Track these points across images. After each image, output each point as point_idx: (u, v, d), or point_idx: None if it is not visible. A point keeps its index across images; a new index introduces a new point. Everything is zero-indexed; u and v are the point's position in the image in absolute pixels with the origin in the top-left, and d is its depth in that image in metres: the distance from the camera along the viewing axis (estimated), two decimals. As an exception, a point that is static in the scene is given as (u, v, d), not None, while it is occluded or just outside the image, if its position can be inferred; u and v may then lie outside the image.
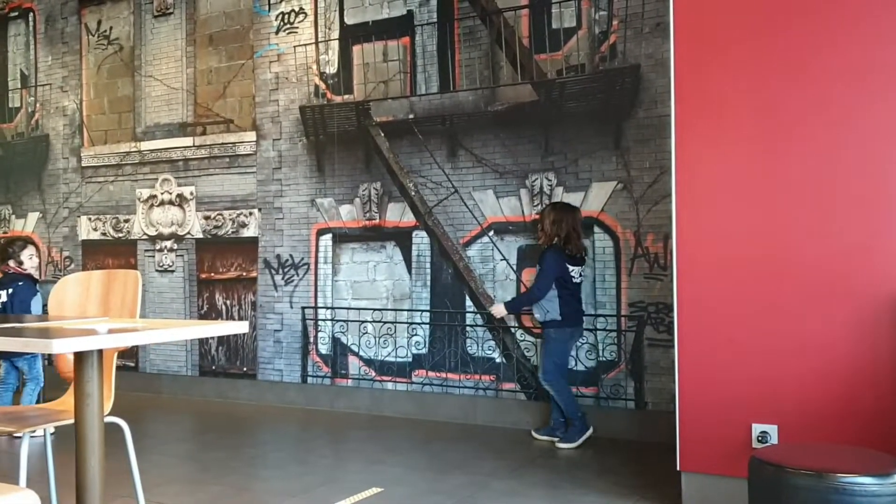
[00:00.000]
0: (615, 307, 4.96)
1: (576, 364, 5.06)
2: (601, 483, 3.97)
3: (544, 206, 4.96)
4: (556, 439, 4.76)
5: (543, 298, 4.72)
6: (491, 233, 5.34)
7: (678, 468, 3.48)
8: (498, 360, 5.31)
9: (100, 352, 2.19)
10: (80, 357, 2.14)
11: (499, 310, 5.01)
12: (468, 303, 5.42)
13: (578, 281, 4.81)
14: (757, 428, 3.30)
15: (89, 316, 2.98)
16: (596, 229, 5.01)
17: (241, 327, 2.45)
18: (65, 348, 1.91)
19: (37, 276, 5.44)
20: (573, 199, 5.06)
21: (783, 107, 3.31)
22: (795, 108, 3.28)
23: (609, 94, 4.99)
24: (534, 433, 4.93)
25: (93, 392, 2.19)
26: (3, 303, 5.07)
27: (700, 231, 3.44)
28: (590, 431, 4.73)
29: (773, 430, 3.27)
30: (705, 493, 3.42)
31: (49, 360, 5.61)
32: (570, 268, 4.74)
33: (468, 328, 5.41)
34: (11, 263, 5.21)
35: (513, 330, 5.26)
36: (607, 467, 4.27)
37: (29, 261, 5.26)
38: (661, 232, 4.79)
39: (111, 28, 7.02)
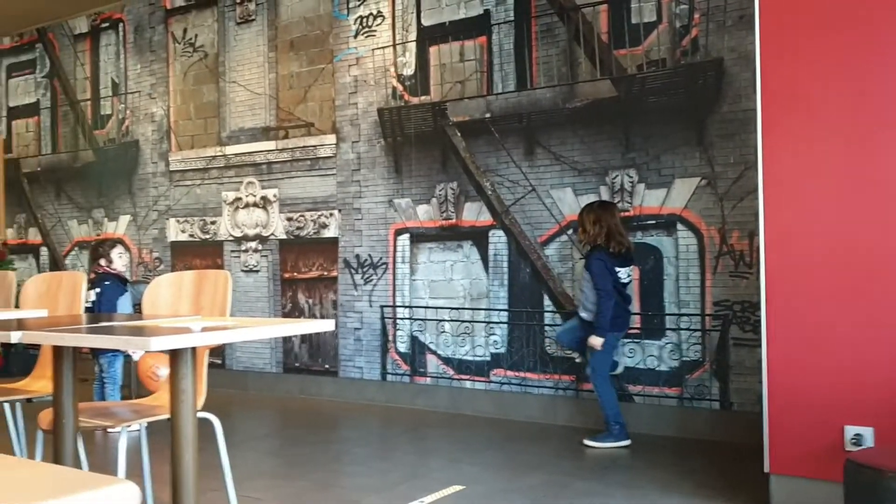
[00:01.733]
0: (699, 306, 4.87)
1: (658, 364, 4.99)
2: (685, 485, 3.90)
3: (582, 207, 4.86)
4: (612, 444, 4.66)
5: (600, 300, 4.63)
6: (570, 231, 5.31)
7: (766, 470, 3.40)
8: (578, 360, 5.27)
9: (193, 349, 2.27)
10: (175, 355, 2.22)
11: (597, 342, 4.67)
12: (546, 302, 5.40)
13: (626, 281, 4.72)
14: (850, 430, 3.20)
15: (182, 314, 3.08)
16: (679, 226, 4.93)
17: (327, 325, 2.50)
18: (162, 346, 1.98)
19: (126, 276, 5.63)
20: (656, 195, 4.99)
21: (875, 99, 3.19)
22: (888, 101, 3.16)
23: (691, 88, 4.90)
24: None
25: (187, 388, 2.26)
26: (92, 302, 5.27)
27: (788, 228, 3.35)
28: (626, 442, 4.67)
29: (868, 432, 3.16)
30: (795, 496, 3.33)
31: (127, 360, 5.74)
32: (618, 269, 4.66)
33: (547, 328, 5.38)
34: (102, 262, 5.42)
35: (593, 329, 5.21)
36: (691, 469, 4.19)
37: (118, 259, 5.46)
38: (747, 229, 4.68)
39: (196, 36, 7.24)
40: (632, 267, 4.79)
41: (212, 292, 3.08)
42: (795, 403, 3.33)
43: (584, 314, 4.76)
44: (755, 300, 4.52)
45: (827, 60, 3.28)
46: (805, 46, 3.32)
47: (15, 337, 2.21)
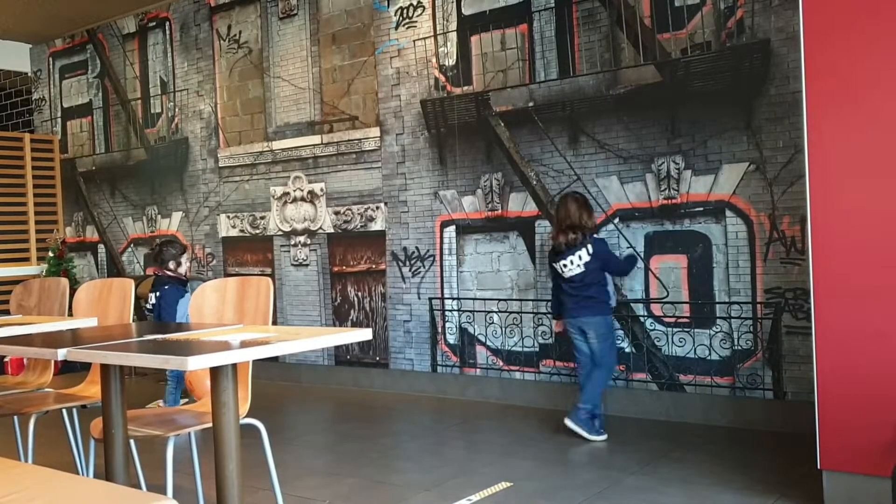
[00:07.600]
0: (750, 294, 4.76)
1: (709, 353, 4.90)
2: (739, 479, 3.84)
3: None
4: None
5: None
6: (616, 220, 5.23)
7: (818, 467, 3.32)
8: (627, 350, 5.21)
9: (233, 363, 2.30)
10: (215, 369, 2.26)
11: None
12: (595, 291, 5.33)
13: (565, 274, 4.76)
14: (907, 426, 3.10)
15: (226, 322, 3.13)
16: (728, 213, 4.82)
17: (364, 335, 2.51)
18: (199, 364, 2.01)
19: (185, 278, 5.71)
20: (703, 182, 4.89)
21: (930, 81, 3.06)
22: (944, 82, 3.03)
23: (737, 71, 4.77)
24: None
25: (228, 401, 2.30)
26: (153, 304, 5.37)
27: (837, 213, 3.24)
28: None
29: (925, 428, 3.06)
30: (851, 493, 3.25)
31: None
32: (554, 264, 4.82)
33: (596, 317, 5.31)
34: (171, 265, 5.49)
35: (642, 319, 5.15)
36: (746, 462, 4.12)
37: (186, 264, 5.57)
38: (798, 214, 4.55)
39: (240, 32, 7.30)
40: (569, 258, 4.71)
41: (254, 298, 3.12)
42: (848, 397, 3.23)
43: None
44: (808, 287, 4.40)
45: (875, 41, 3.15)
46: (852, 26, 3.20)
47: (61, 354, 2.27)
